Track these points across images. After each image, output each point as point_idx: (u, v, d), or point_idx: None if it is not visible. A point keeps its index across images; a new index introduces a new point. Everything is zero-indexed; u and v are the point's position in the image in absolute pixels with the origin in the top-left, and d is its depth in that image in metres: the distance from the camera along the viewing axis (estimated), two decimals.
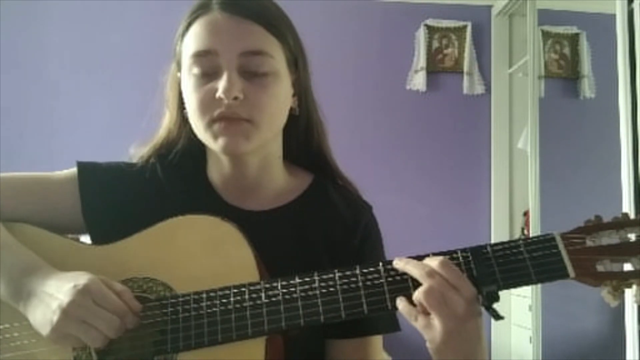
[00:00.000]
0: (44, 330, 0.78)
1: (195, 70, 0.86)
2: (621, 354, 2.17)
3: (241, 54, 0.85)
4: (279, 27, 0.89)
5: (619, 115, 2.25)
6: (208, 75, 0.86)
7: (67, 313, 0.75)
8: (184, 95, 0.90)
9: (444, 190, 3.41)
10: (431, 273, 0.73)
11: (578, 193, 2.90)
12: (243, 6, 0.87)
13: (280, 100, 0.89)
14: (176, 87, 0.94)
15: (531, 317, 2.93)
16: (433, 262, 0.74)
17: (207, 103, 0.85)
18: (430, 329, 0.73)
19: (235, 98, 0.84)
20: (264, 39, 0.87)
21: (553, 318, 2.93)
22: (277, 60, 0.88)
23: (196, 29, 0.87)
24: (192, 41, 0.87)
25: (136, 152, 0.99)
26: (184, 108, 0.92)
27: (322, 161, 1.00)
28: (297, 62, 0.93)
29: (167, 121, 0.98)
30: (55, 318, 0.76)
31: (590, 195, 2.84)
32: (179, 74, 0.93)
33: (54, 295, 0.78)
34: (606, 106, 2.46)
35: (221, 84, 0.84)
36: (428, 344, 0.75)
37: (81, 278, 0.78)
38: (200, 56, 0.86)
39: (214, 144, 0.87)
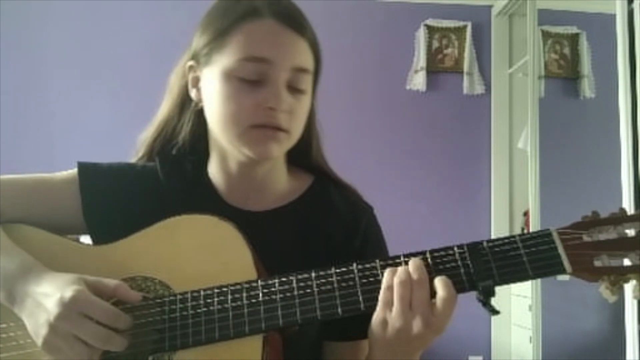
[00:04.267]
0: (37, 341, 0.78)
1: (242, 74, 0.85)
2: (621, 354, 2.18)
3: (292, 68, 0.86)
4: (317, 45, 0.91)
5: (619, 115, 2.25)
6: (253, 81, 0.86)
7: (55, 327, 0.75)
8: (213, 94, 0.88)
9: (444, 190, 3.41)
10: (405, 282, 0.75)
11: (578, 193, 2.90)
12: (296, 21, 0.88)
13: (307, 114, 0.92)
14: (182, 76, 0.94)
15: (531, 317, 2.94)
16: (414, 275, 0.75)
17: (252, 110, 0.85)
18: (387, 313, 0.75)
19: (283, 111, 0.86)
20: (309, 57, 0.89)
21: (553, 318, 2.94)
22: (311, 76, 0.91)
23: (250, 32, 0.86)
24: (243, 43, 0.86)
25: (142, 141, 1.00)
26: (188, 100, 0.93)
27: (319, 167, 1.01)
28: (317, 77, 0.95)
29: (166, 107, 0.98)
30: (44, 331, 0.76)
31: (590, 195, 2.84)
32: (190, 62, 0.92)
33: (42, 305, 0.77)
34: (606, 106, 2.46)
35: (274, 95, 0.84)
36: (373, 323, 0.77)
37: (68, 288, 0.76)
38: (253, 61, 0.85)
39: (244, 148, 0.87)
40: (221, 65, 0.87)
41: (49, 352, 0.77)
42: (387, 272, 0.76)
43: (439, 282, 0.74)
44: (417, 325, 0.74)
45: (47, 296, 0.78)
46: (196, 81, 0.92)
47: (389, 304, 0.75)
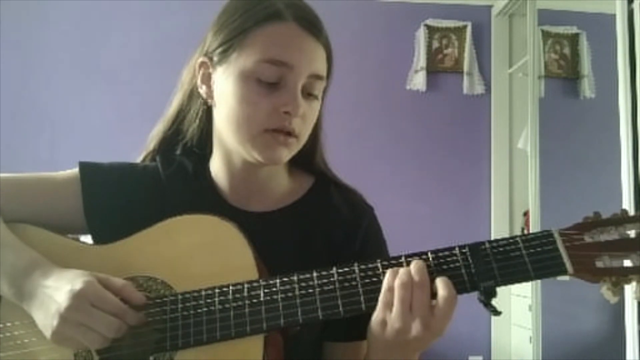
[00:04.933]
0: (47, 333, 0.79)
1: (260, 76, 0.85)
2: (621, 354, 2.18)
3: (309, 75, 0.86)
4: (332, 52, 0.92)
5: (619, 115, 2.25)
6: (270, 84, 0.85)
7: (65, 318, 0.76)
8: (227, 94, 0.88)
9: (444, 190, 3.42)
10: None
11: (578, 193, 2.90)
12: (316, 27, 0.88)
13: (315, 120, 0.93)
14: (192, 74, 0.94)
15: (531, 317, 2.94)
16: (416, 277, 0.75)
17: (268, 113, 0.85)
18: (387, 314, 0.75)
19: (298, 116, 0.86)
20: (324, 64, 0.90)
21: (553, 318, 2.94)
22: (324, 83, 0.91)
23: (272, 35, 0.86)
24: (265, 45, 0.85)
25: (153, 137, 1.00)
26: (197, 96, 0.93)
27: (322, 167, 1.01)
28: (328, 83, 0.95)
29: (177, 102, 0.98)
30: (54, 322, 0.77)
31: (590, 195, 2.84)
32: (202, 59, 0.91)
33: (52, 297, 0.78)
34: (606, 106, 2.47)
35: (292, 100, 0.84)
36: (372, 323, 0.77)
37: (78, 280, 0.78)
38: (273, 64, 0.84)
39: (254, 152, 0.87)
40: (239, 65, 0.86)
41: (58, 342, 0.78)
42: (388, 273, 0.76)
43: (440, 282, 0.74)
44: (416, 327, 0.73)
45: (57, 289, 0.78)
46: (207, 78, 0.91)
47: (389, 305, 0.75)
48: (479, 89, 3.47)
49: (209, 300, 0.80)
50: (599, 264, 0.72)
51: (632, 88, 2.21)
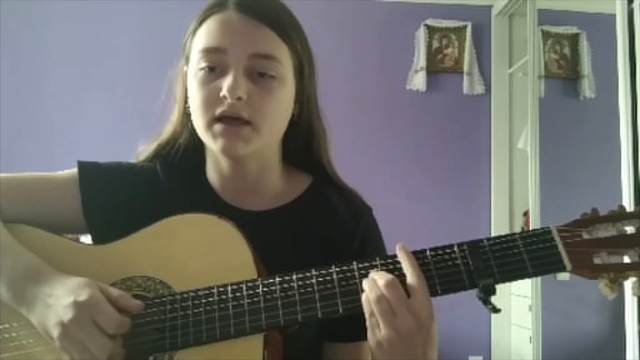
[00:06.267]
0: (50, 339, 0.79)
1: (203, 65, 0.86)
2: (621, 354, 2.18)
3: (250, 55, 0.85)
4: (290, 33, 0.90)
5: (619, 115, 2.25)
6: (215, 72, 0.86)
7: (66, 330, 0.76)
8: (189, 91, 0.90)
9: (444, 190, 3.41)
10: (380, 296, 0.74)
11: (578, 193, 2.90)
12: (258, 9, 0.87)
13: (282, 106, 0.90)
14: (182, 82, 0.94)
15: (531, 317, 2.93)
16: (381, 281, 0.75)
17: (211, 100, 0.85)
18: (375, 331, 0.75)
19: (239, 98, 0.84)
20: (275, 44, 0.87)
21: (553, 318, 2.94)
22: (285, 66, 0.88)
23: (209, 26, 0.87)
24: (203, 37, 0.87)
25: (144, 150, 1.00)
26: (187, 103, 0.93)
27: (320, 169, 1.00)
28: (302, 69, 0.93)
29: (174, 117, 0.97)
30: (55, 333, 0.77)
31: (590, 195, 2.84)
32: (185, 68, 0.92)
33: (53, 306, 0.78)
34: (606, 106, 2.47)
35: (226, 83, 0.84)
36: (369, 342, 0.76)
37: (82, 292, 0.78)
38: (209, 52, 0.86)
39: (213, 144, 0.87)
40: (192, 61, 0.89)
41: (60, 349, 0.78)
42: (363, 299, 0.76)
43: (405, 269, 0.76)
44: (405, 321, 0.73)
45: (59, 298, 0.78)
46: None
47: (375, 325, 0.75)
48: (479, 89, 3.47)
49: (208, 300, 0.80)
50: (597, 260, 0.73)
51: (632, 88, 2.21)
